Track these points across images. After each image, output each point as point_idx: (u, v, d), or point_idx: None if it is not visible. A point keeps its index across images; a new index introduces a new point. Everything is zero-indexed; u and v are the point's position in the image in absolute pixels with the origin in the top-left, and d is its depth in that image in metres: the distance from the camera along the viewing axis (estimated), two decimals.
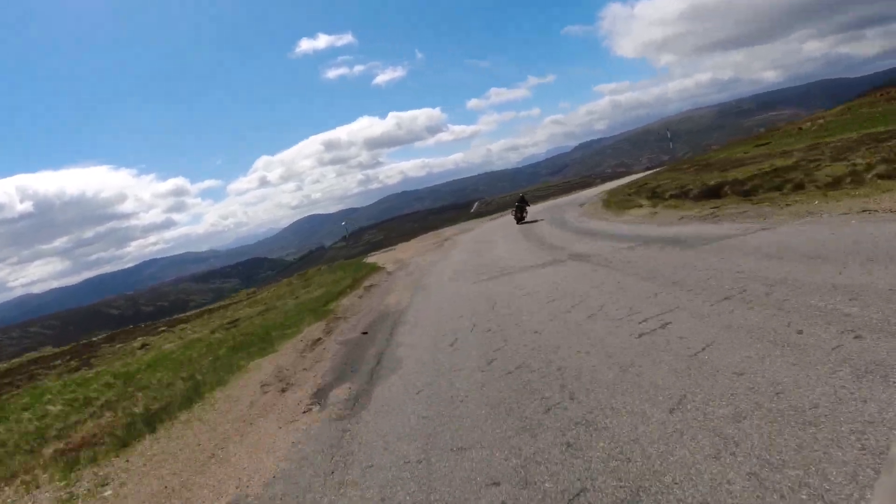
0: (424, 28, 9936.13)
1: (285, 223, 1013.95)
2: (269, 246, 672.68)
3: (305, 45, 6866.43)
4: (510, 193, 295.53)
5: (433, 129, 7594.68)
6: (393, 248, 48.62)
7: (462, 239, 35.27)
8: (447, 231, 50.49)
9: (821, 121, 38.86)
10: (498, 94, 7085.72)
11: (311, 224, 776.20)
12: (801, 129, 37.38)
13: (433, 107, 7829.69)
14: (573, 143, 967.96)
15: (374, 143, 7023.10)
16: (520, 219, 33.86)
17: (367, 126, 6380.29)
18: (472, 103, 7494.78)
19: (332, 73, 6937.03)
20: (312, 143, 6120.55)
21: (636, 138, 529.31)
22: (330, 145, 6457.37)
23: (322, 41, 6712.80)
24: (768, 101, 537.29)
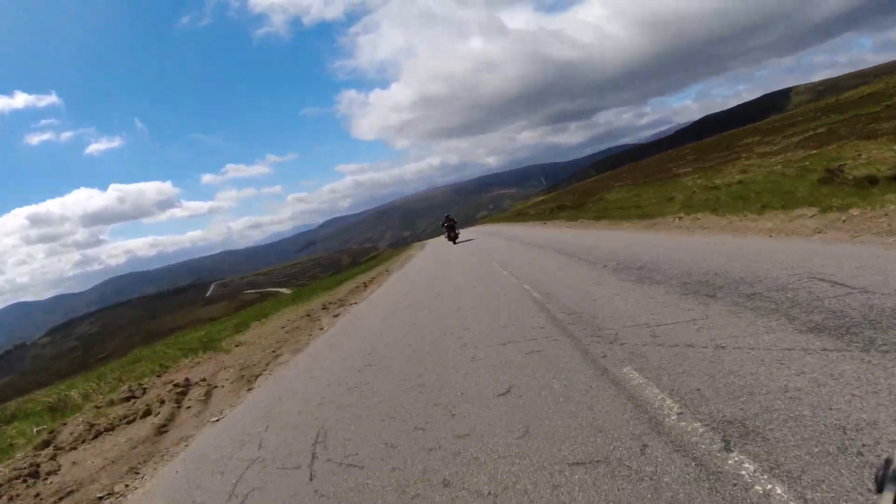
0: (144, 96, 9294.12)
1: None
2: None
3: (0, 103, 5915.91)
4: (254, 273, 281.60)
5: (164, 205, 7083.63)
6: None
7: None
8: None
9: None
10: (236, 171, 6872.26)
11: (18, 314, 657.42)
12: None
13: (163, 180, 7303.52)
14: (319, 220, 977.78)
15: (94, 219, 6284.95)
16: (453, 238, 33.20)
17: (84, 199, 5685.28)
18: (208, 178, 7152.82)
19: (35, 139, 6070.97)
20: (15, 218, 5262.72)
21: (380, 215, 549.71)
22: (38, 220, 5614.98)
23: (20, 100, 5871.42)
24: (492, 181, 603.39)
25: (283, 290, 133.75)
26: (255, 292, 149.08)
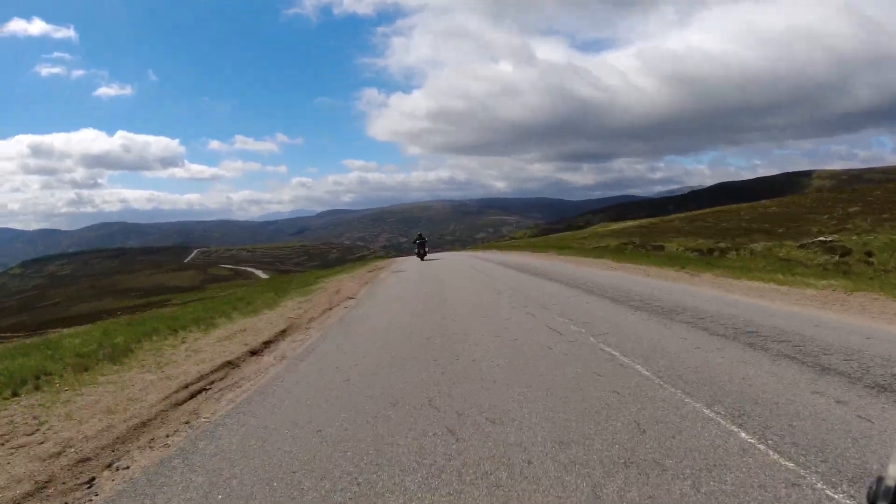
0: (162, 50, 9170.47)
1: None
2: None
3: (16, 25, 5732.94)
4: (240, 247, 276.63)
5: (168, 162, 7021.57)
6: None
7: None
8: None
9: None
10: (244, 143, 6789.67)
11: (1, 238, 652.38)
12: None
13: (171, 137, 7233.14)
14: (318, 209, 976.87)
15: (95, 162, 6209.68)
16: (422, 255, 36.47)
17: (89, 139, 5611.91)
18: (215, 145, 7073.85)
19: (45, 71, 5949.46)
20: (17, 144, 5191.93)
21: (379, 217, 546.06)
22: (39, 151, 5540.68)
23: (37, 27, 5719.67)
24: (497, 205, 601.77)
25: (260, 272, 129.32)
26: (230, 268, 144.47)
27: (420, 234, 38.58)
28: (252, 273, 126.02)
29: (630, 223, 64.71)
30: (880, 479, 1.12)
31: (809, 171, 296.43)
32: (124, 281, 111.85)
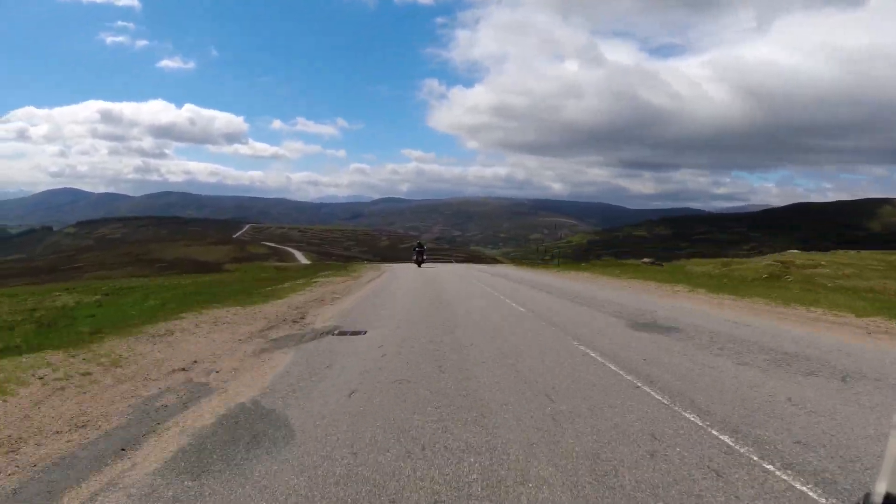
0: (224, 26, 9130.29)
1: (41, 189, 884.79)
2: (10, 210, 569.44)
3: None
4: (290, 226, 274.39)
5: (232, 138, 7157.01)
6: None
7: None
8: None
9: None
10: (305, 125, 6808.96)
11: (67, 198, 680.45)
12: None
13: (236, 114, 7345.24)
14: (374, 196, 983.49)
15: (162, 132, 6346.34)
16: (420, 262, 38.75)
17: (158, 110, 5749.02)
18: (277, 125, 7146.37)
19: (109, 39, 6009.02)
20: (88, 109, 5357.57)
21: (434, 208, 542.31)
22: (109, 117, 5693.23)
23: None
24: (552, 207, 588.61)
25: (300, 254, 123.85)
26: (269, 246, 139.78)
27: (419, 242, 43.11)
28: (292, 254, 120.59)
29: None
30: (868, 496, 1.12)
31: (890, 198, 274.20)
32: (157, 250, 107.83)
